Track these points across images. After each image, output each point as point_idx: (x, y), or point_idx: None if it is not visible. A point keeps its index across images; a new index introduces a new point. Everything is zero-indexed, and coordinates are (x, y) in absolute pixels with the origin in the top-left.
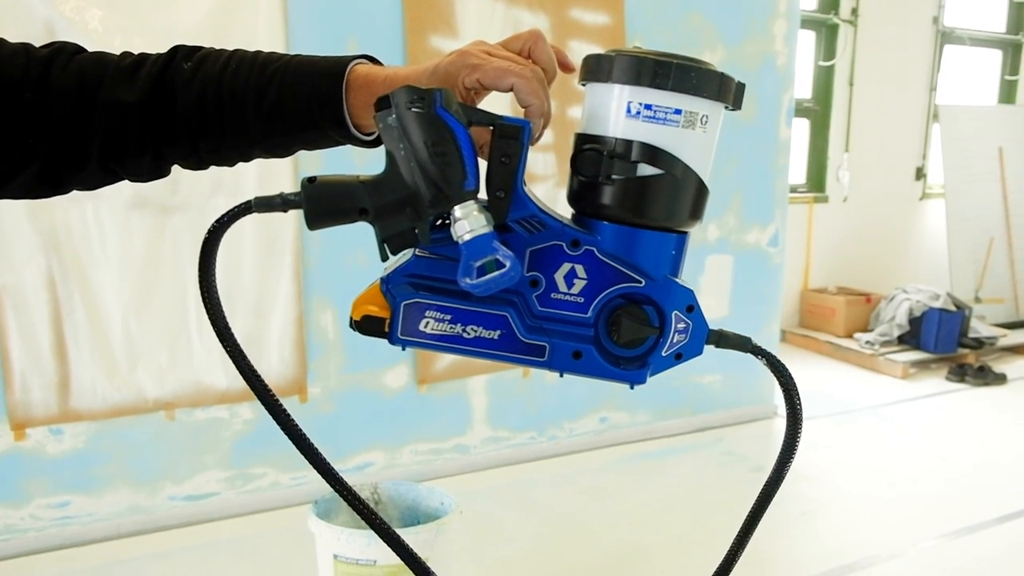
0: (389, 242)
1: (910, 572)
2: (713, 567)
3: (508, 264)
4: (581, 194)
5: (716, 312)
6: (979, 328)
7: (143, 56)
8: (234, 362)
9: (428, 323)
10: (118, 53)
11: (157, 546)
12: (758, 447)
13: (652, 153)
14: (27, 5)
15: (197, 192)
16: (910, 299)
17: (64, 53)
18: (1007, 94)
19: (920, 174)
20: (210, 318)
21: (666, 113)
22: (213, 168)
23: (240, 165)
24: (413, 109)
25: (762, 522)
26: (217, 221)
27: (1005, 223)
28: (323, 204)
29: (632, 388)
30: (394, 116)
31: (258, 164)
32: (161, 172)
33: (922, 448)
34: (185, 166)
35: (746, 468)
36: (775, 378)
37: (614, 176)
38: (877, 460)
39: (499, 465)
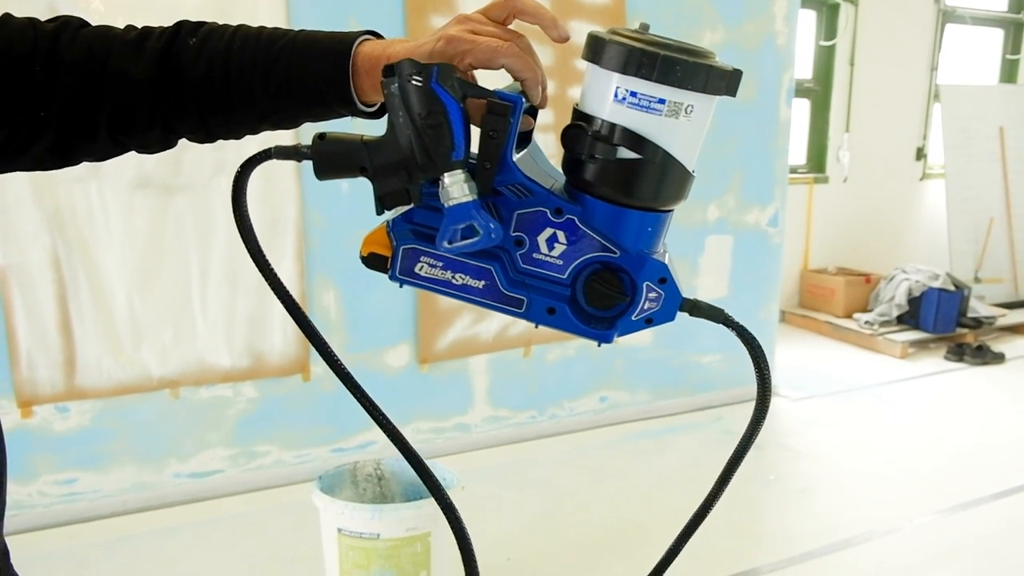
0: (384, 199)
1: (906, 547)
2: (711, 544)
3: (481, 233)
4: (569, 166)
5: (716, 292)
6: (978, 308)
7: (147, 29)
8: (281, 300)
9: (423, 267)
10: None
11: (162, 522)
12: None
13: (633, 139)
14: None
15: (200, 172)
16: (909, 279)
17: (70, 27)
18: (1008, 73)
19: (920, 154)
20: (252, 256)
21: (650, 101)
22: (216, 149)
23: (243, 145)
24: (412, 82)
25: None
26: (241, 167)
27: (1005, 203)
28: (329, 159)
29: (599, 346)
30: (396, 85)
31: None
32: (169, 144)
33: (920, 426)
34: (193, 139)
35: None
36: (745, 349)
37: (596, 156)
38: (875, 438)
39: (500, 444)
